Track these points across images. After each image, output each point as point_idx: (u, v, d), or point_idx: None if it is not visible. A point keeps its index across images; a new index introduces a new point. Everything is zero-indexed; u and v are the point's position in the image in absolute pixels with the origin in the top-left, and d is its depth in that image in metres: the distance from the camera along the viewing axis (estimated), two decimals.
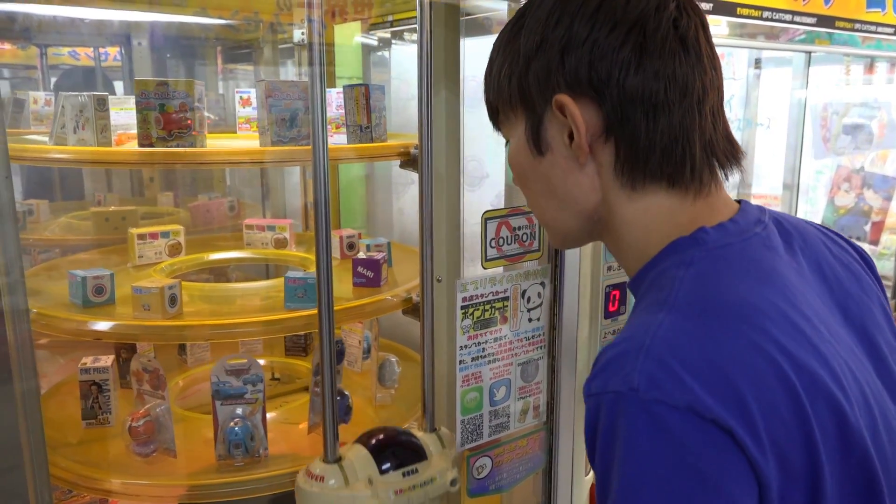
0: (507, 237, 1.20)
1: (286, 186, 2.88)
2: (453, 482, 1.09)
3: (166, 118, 1.35)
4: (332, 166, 2.22)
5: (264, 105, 1.40)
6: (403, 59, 2.71)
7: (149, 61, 2.40)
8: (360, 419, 1.61)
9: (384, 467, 1.06)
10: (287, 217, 2.75)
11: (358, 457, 1.07)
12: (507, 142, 0.79)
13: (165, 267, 1.82)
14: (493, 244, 1.19)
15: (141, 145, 1.37)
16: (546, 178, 0.74)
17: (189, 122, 1.37)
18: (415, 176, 2.74)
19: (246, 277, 2.37)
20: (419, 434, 1.18)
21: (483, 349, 1.21)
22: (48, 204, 2.25)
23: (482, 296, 1.18)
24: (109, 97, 1.43)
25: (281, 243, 2.01)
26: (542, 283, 1.26)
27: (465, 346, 1.18)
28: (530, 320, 1.26)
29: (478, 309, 1.18)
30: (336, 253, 1.88)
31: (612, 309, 1.37)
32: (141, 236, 1.76)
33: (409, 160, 1.56)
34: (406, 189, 2.67)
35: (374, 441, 1.10)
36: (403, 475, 1.06)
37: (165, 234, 1.78)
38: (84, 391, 1.50)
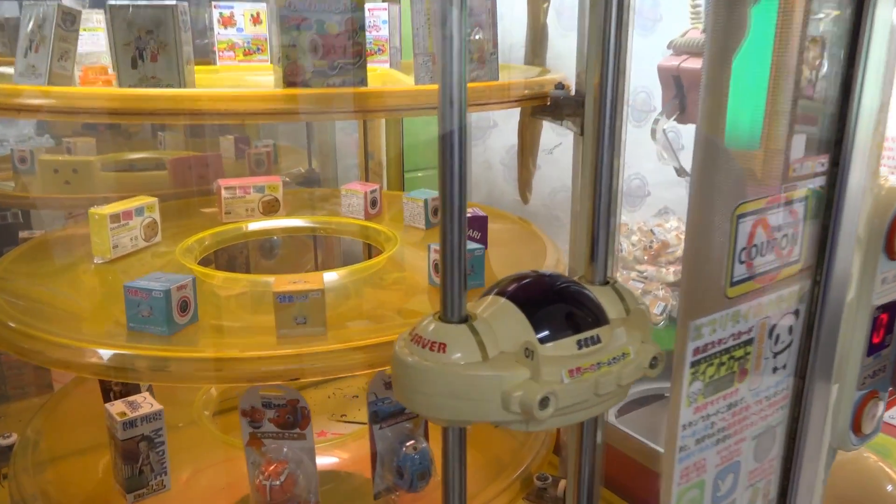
0: (762, 245, 0.73)
1: (335, 128, 2.40)
2: (654, 362, 0.64)
3: (328, 43, 0.92)
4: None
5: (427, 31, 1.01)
6: None
7: None
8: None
9: (543, 333, 0.61)
10: (340, 169, 2.29)
11: (499, 313, 0.61)
12: None
13: (193, 246, 1.37)
14: (742, 257, 0.71)
15: (287, 84, 0.93)
16: None
17: (359, 48, 0.96)
18: (496, 116, 2.19)
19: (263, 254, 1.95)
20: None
21: (712, 424, 0.75)
22: (94, 143, 1.88)
23: (721, 342, 0.72)
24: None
25: (271, 206, 1.59)
26: (796, 312, 0.79)
27: (691, 424, 0.72)
28: (775, 369, 0.80)
29: (712, 364, 0.72)
30: (360, 214, 1.59)
31: (875, 341, 0.90)
32: (114, 218, 1.27)
33: (550, 105, 1.07)
34: (487, 134, 2.18)
35: (522, 290, 0.64)
36: (579, 345, 0.62)
37: (140, 212, 1.32)
38: (129, 452, 1.05)
